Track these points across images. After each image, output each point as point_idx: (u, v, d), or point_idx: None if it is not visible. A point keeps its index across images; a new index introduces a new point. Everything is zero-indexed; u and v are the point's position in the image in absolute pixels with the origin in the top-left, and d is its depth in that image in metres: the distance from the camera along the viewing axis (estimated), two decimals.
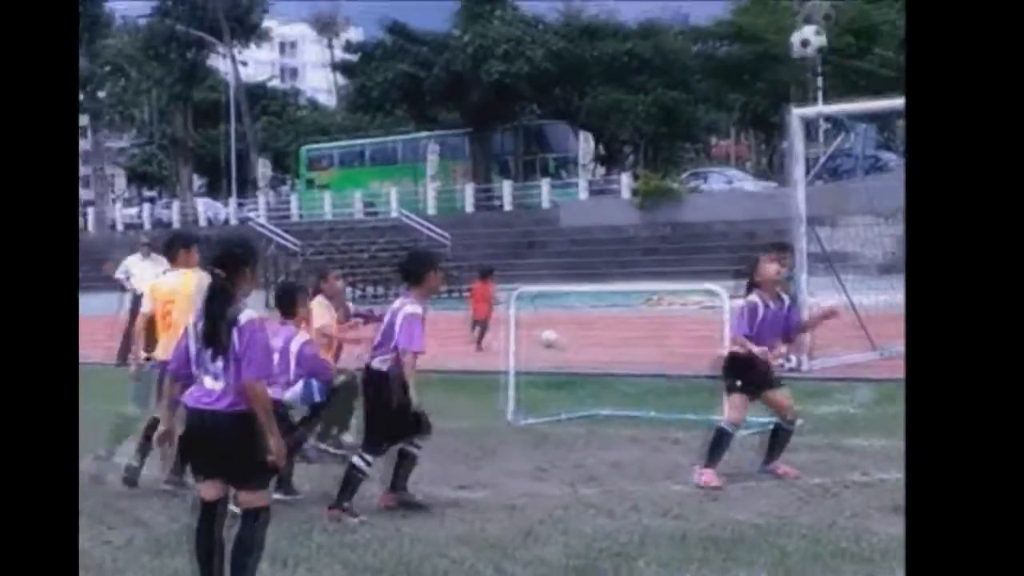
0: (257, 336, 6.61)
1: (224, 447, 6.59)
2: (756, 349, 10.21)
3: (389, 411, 9.25)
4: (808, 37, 12.01)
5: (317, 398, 10.53)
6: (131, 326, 22.19)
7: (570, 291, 23.17)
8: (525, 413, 13.52)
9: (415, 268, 9.56)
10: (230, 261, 6.79)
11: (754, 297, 10.34)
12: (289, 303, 10.28)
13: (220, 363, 6.59)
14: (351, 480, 9.23)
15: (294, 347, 10.05)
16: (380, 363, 9.29)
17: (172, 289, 10.47)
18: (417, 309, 9.27)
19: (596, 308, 27.53)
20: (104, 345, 22.39)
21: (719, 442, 10.16)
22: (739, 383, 10.28)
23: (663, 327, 24.25)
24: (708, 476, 10.04)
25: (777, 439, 10.52)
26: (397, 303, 9.45)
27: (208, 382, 6.63)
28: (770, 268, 10.48)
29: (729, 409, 10.42)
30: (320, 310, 11.50)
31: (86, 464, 9.26)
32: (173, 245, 11.00)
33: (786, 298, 10.75)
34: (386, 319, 9.42)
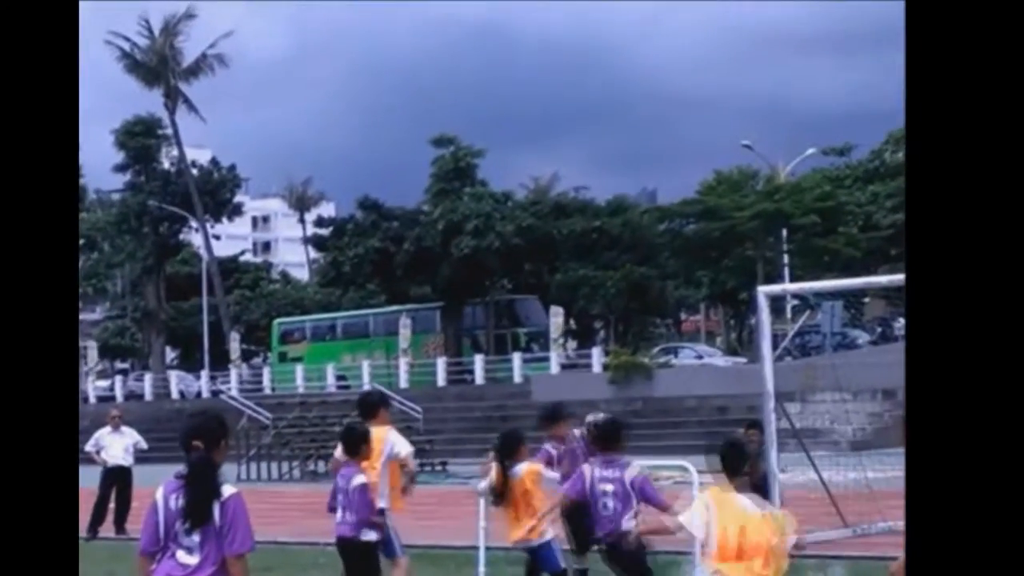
0: (240, 510, 6.55)
1: None
2: None
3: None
4: None
5: None
6: (101, 499, 22.23)
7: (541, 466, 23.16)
8: None
9: (615, 434, 10.66)
10: (208, 435, 6.76)
11: None
12: (355, 444, 11.04)
13: (197, 537, 6.51)
14: None
15: (352, 485, 10.81)
16: (628, 523, 10.13)
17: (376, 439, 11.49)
18: (639, 467, 10.37)
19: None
20: None
21: None
22: None
23: None
24: None
25: None
26: (615, 470, 10.36)
27: (182, 556, 6.53)
28: None
29: None
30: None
31: None
32: (371, 403, 12.39)
33: None
34: (616, 483, 10.27)
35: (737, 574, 7.30)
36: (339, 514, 10.96)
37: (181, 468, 6.65)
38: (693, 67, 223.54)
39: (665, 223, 66.70)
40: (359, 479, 10.82)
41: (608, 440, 10.58)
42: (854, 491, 18.19)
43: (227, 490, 6.58)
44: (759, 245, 60.80)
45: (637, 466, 10.41)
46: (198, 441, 6.70)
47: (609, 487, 10.16)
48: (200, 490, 6.54)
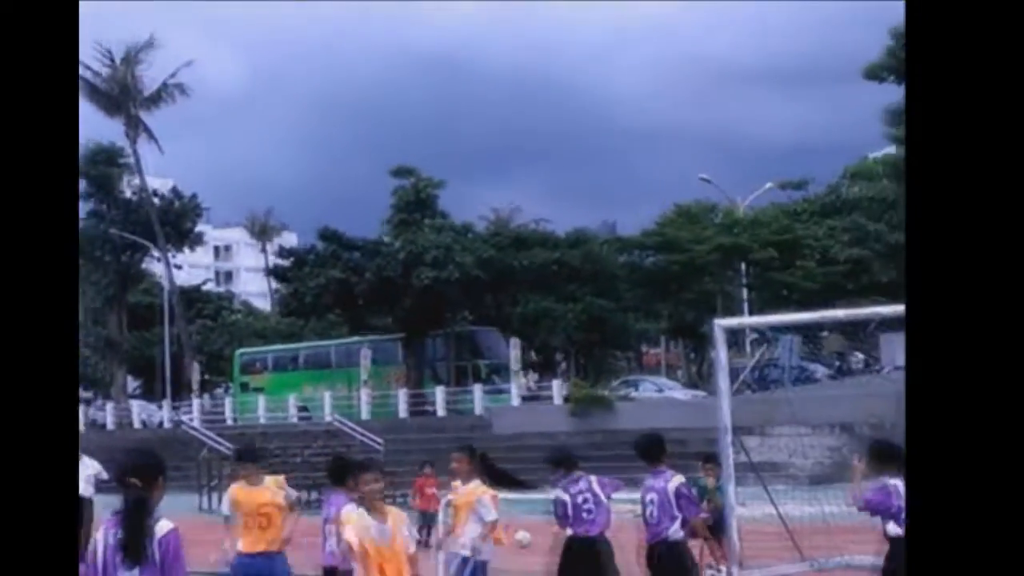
0: (178, 546, 6.83)
1: None
2: None
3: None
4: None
5: None
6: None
7: (502, 498, 23.34)
8: None
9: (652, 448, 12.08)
10: (145, 472, 7.00)
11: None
12: (339, 473, 11.19)
13: (136, 572, 6.78)
14: None
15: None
16: (676, 534, 11.46)
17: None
18: (682, 478, 11.72)
19: (530, 515, 27.58)
20: None
21: None
22: None
23: None
24: None
25: None
26: (660, 480, 11.66)
27: None
28: None
29: None
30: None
31: None
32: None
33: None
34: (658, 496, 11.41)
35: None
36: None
37: (118, 505, 6.94)
38: (650, 100, 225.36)
39: (625, 255, 66.90)
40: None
41: (648, 453, 11.99)
42: (811, 525, 18.45)
43: (164, 526, 6.85)
44: (718, 278, 61.13)
45: (679, 477, 11.65)
46: (134, 479, 6.94)
47: (653, 496, 11.45)
48: (136, 527, 6.80)
